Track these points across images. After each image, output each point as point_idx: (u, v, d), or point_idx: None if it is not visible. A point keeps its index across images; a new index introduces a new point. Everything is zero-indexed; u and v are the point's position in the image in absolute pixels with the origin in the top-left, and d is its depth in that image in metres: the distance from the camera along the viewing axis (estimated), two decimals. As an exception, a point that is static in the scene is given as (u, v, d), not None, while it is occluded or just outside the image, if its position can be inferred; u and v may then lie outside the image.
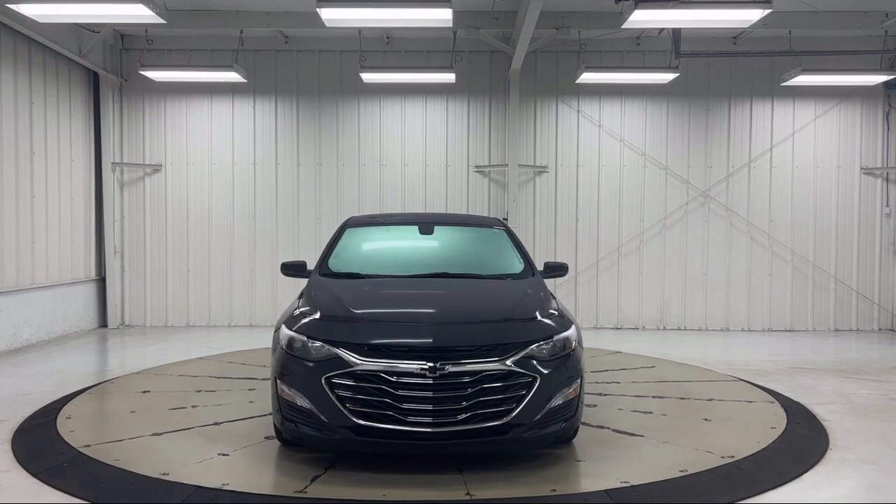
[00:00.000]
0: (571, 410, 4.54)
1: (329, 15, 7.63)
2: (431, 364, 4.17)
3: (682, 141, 11.19)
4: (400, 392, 4.18)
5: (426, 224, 6.26)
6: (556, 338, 4.53)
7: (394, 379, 4.18)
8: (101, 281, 11.02)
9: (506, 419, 4.25)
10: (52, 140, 9.85)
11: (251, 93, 11.10)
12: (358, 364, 4.23)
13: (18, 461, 4.71)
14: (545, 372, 4.35)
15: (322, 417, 4.25)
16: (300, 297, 5.21)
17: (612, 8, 9.13)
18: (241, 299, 11.18)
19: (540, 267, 5.84)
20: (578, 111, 11.17)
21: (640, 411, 6.01)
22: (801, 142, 11.20)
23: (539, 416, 4.32)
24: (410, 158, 11.18)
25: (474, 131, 11.18)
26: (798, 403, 6.35)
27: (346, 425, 4.20)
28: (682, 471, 4.55)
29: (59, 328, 9.95)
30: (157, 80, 10.52)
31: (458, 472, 4.48)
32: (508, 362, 4.29)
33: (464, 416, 4.20)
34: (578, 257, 11.04)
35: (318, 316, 4.64)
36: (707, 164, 11.20)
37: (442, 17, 7.64)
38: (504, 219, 10.65)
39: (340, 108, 11.18)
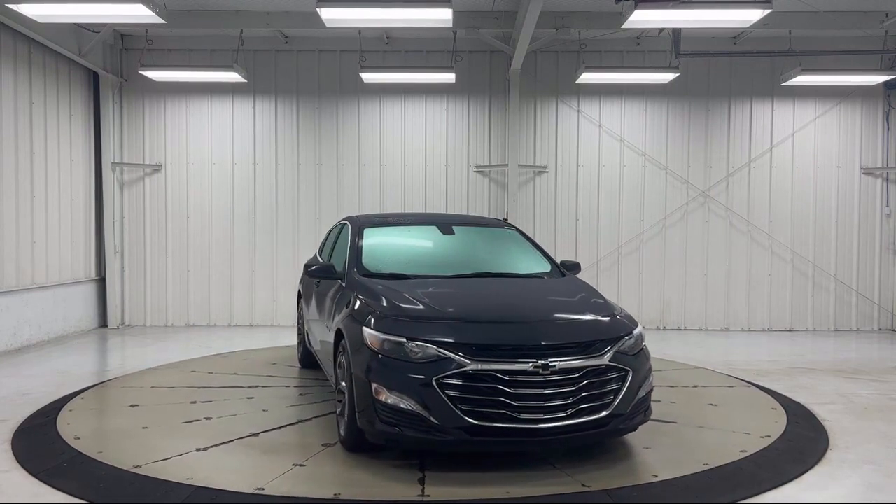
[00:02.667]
0: (649, 401, 4.80)
1: (329, 15, 7.63)
2: (543, 362, 4.26)
3: (682, 141, 11.19)
4: (513, 390, 4.22)
5: (444, 224, 6.33)
6: (634, 333, 4.75)
7: (506, 378, 4.22)
8: (101, 281, 11.02)
9: (607, 412, 4.42)
10: (52, 140, 9.85)
11: (251, 93, 11.10)
12: (469, 364, 4.23)
13: (18, 461, 4.70)
14: (633, 366, 4.56)
15: (432, 419, 4.20)
16: (349, 298, 5.11)
17: (612, 8, 9.13)
18: (240, 299, 11.18)
19: None
20: (578, 111, 11.17)
21: None
22: (801, 142, 11.20)
23: (630, 407, 4.53)
24: (410, 158, 11.18)
25: (474, 131, 11.18)
26: (798, 403, 6.35)
27: (460, 426, 4.19)
28: (742, 451, 4.90)
29: (59, 328, 9.95)
30: (157, 80, 10.52)
31: (551, 466, 4.56)
32: (605, 357, 4.46)
33: (571, 410, 4.31)
34: (578, 257, 11.02)
35: (400, 317, 4.57)
36: (707, 164, 11.20)
37: (442, 17, 7.64)
38: (504, 218, 10.66)
39: (340, 108, 11.18)
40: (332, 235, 7.24)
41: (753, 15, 7.54)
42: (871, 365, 8.39)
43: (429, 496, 4.11)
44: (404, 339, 4.38)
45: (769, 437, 5.23)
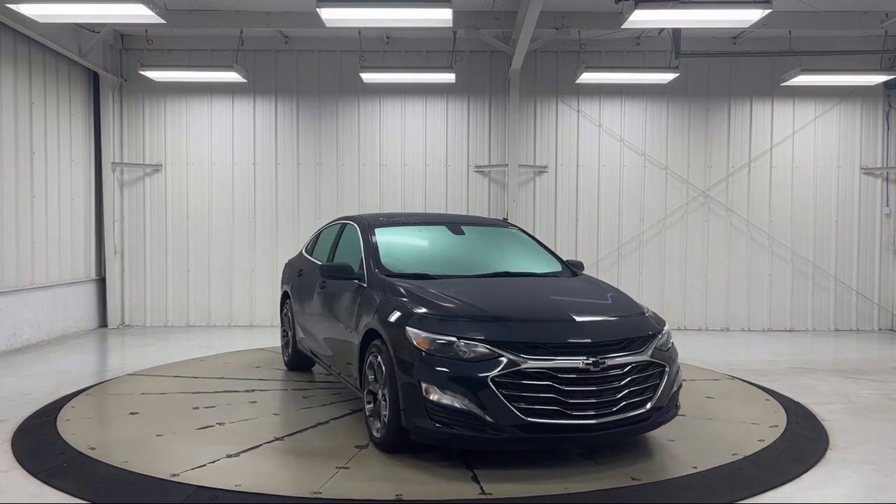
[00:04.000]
0: (678, 396, 4.93)
1: (329, 15, 7.63)
2: (594, 359, 4.36)
3: (682, 141, 11.19)
4: (565, 387, 4.29)
5: (453, 224, 6.37)
6: (664, 329, 4.91)
7: (559, 375, 4.30)
8: (101, 281, 11.02)
9: (648, 406, 4.56)
10: (52, 140, 9.85)
11: (251, 93, 11.10)
12: (524, 362, 4.28)
13: (18, 461, 4.70)
14: (668, 361, 4.73)
15: (487, 418, 4.22)
16: (376, 298, 5.06)
17: (612, 8, 9.12)
18: (240, 299, 11.18)
19: None
20: (578, 111, 11.17)
21: None
22: (801, 142, 11.20)
23: (667, 401, 4.71)
24: (410, 158, 11.18)
25: (474, 131, 11.18)
26: (798, 403, 6.35)
27: (516, 424, 4.22)
28: (760, 440, 5.14)
29: (59, 328, 9.95)
30: (157, 80, 10.52)
31: (591, 461, 4.66)
32: (647, 353, 4.60)
33: (619, 405, 4.42)
34: (579, 257, 11.01)
35: (445, 316, 4.58)
36: (707, 163, 11.20)
37: (442, 17, 7.64)
38: (504, 218, 10.66)
39: (340, 108, 11.18)
40: (327, 235, 7.10)
41: (753, 15, 7.53)
42: (871, 365, 8.39)
43: (490, 494, 4.11)
44: (454, 339, 4.38)
45: (776, 426, 5.48)
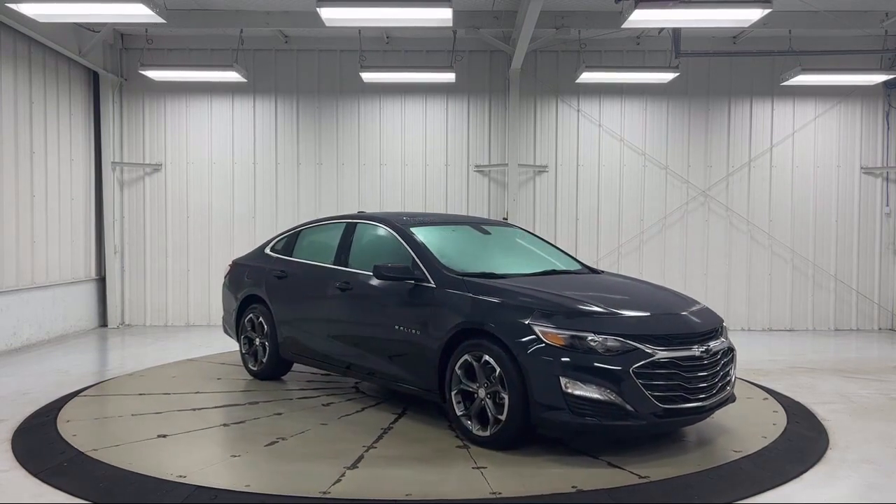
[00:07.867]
0: None
1: (329, 14, 7.63)
2: (706, 346, 4.81)
3: (682, 140, 11.19)
4: (687, 374, 4.67)
5: (475, 225, 6.63)
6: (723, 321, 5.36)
7: (683, 363, 4.66)
8: (101, 280, 11.02)
9: (732, 384, 5.14)
10: (52, 140, 9.85)
11: (251, 92, 11.09)
12: (656, 354, 4.57)
13: (18, 461, 4.70)
14: (734, 346, 5.23)
15: (628, 407, 4.47)
16: (457, 298, 5.08)
17: (612, 7, 9.12)
18: (241, 299, 11.15)
19: None
20: (578, 111, 11.16)
21: None
22: (801, 141, 11.19)
23: (734, 381, 5.21)
24: (410, 158, 11.18)
25: (474, 131, 11.18)
26: (798, 403, 6.36)
27: (653, 411, 4.54)
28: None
29: (59, 328, 9.94)
30: (157, 79, 10.52)
31: (671, 442, 5.03)
32: (728, 340, 5.17)
33: (718, 386, 4.90)
34: (579, 256, 10.97)
35: (568, 312, 4.76)
36: (707, 163, 11.20)
37: (442, 16, 7.63)
38: (504, 218, 10.67)
39: (340, 107, 11.17)
40: (319, 235, 6.80)
41: (753, 14, 7.53)
42: (871, 365, 8.39)
43: (648, 476, 4.36)
44: (591, 334, 4.57)
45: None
